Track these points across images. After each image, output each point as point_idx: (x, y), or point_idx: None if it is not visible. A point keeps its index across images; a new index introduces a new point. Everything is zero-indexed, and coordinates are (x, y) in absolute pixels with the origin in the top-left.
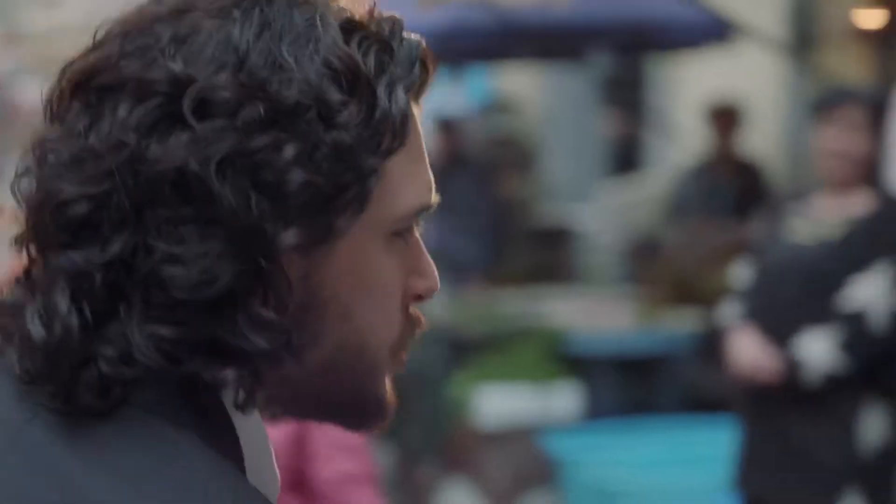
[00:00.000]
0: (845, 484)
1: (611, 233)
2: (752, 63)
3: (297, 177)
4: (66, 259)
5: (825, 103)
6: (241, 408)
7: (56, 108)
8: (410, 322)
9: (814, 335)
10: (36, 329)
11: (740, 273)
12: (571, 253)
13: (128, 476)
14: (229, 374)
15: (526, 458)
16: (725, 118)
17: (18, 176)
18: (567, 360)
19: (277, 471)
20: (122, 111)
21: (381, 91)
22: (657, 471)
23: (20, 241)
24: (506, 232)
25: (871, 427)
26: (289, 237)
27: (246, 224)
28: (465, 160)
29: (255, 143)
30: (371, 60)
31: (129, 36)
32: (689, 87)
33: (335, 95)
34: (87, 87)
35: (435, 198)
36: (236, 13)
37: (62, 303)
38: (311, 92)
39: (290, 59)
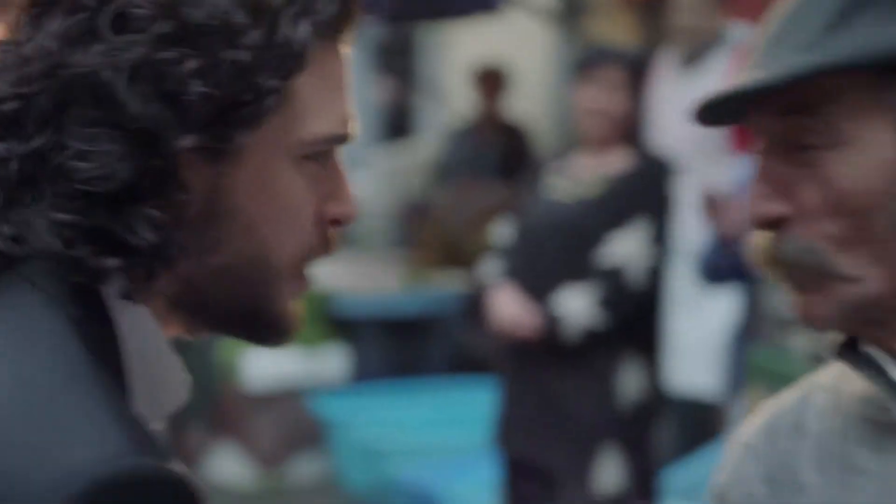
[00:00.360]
0: (604, 439)
1: (383, 198)
2: (522, 30)
3: (195, 88)
4: None
5: (585, 63)
6: (126, 296)
7: (13, 24)
8: (321, 244)
9: (573, 291)
10: None
11: (501, 232)
12: None
13: None
14: (113, 263)
15: (294, 420)
16: (490, 81)
17: None
18: (335, 323)
19: (185, 374)
20: (55, 24)
21: (286, 20)
22: (424, 431)
23: None
24: None
25: (629, 382)
26: (185, 142)
27: (146, 128)
28: None
29: (160, 56)
30: None
31: None
32: (459, 53)
33: (240, 19)
34: (31, 4)
35: (352, 131)
36: None
37: None
38: (218, 14)
39: None
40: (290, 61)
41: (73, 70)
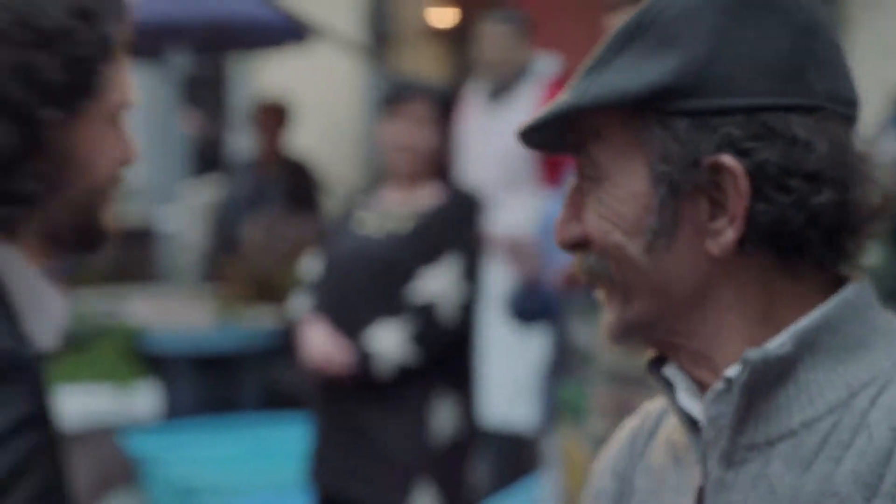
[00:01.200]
0: (417, 475)
1: (192, 233)
2: (330, 62)
3: (52, 77)
4: None
5: (392, 97)
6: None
7: None
8: (118, 178)
9: (384, 327)
10: None
11: (309, 266)
12: (153, 253)
13: None
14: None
15: (107, 457)
16: (271, 116)
17: None
18: (146, 359)
19: (65, 300)
20: None
21: (103, 28)
22: (237, 467)
23: None
24: None
25: (443, 417)
26: (46, 114)
27: (19, 107)
28: None
29: (26, 56)
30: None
31: None
32: (267, 86)
33: (75, 27)
34: None
35: (133, 97)
36: None
37: None
38: (60, 24)
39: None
40: (106, 57)
41: None
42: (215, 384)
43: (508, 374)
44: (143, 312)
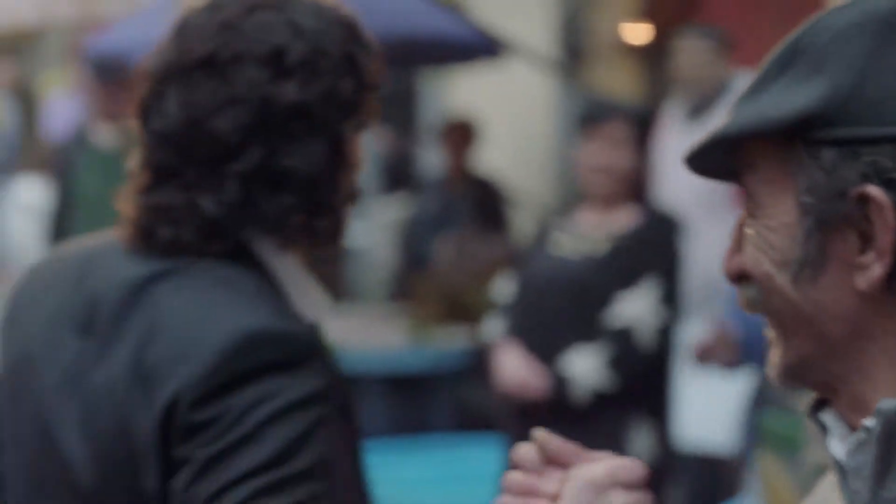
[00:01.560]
0: None
1: (382, 250)
2: (521, 78)
3: (350, 97)
4: (230, 166)
5: (588, 118)
6: (284, 247)
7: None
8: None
9: (581, 352)
10: (211, 209)
11: (503, 287)
12: (343, 271)
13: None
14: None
15: None
16: (458, 134)
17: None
18: None
19: (322, 294)
20: (249, 71)
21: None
22: (429, 489)
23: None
24: None
25: (639, 443)
26: (346, 131)
27: (330, 128)
28: None
29: (331, 82)
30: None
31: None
32: (457, 102)
33: (358, 55)
34: (208, 62)
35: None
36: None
37: (229, 192)
38: (349, 52)
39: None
40: (372, 85)
41: (282, 101)
42: (406, 405)
43: (708, 398)
44: (333, 332)
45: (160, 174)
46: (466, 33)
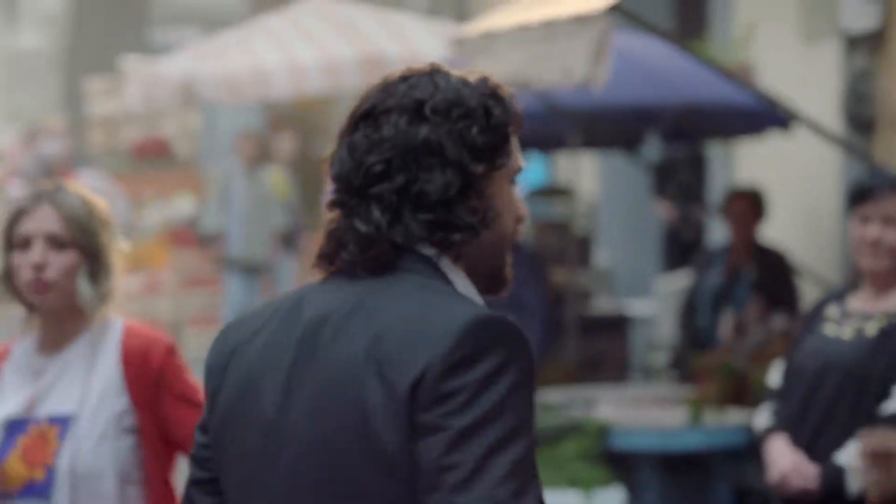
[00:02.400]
0: None
1: (664, 324)
2: (809, 149)
3: (480, 141)
4: (375, 191)
5: (864, 193)
6: (454, 262)
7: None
8: (517, 229)
9: (855, 441)
10: (363, 227)
11: (775, 372)
12: (624, 343)
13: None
14: (456, 238)
15: None
16: (745, 205)
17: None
18: (611, 458)
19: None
20: (395, 118)
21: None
22: None
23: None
24: (556, 321)
25: None
26: (474, 167)
27: (459, 163)
28: (519, 244)
29: (460, 127)
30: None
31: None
32: (743, 173)
33: (493, 108)
34: (368, 114)
35: (523, 164)
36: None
37: (376, 212)
38: (481, 106)
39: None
40: (509, 130)
41: (418, 140)
42: (684, 485)
43: None
44: (610, 409)
45: (335, 209)
46: (754, 103)
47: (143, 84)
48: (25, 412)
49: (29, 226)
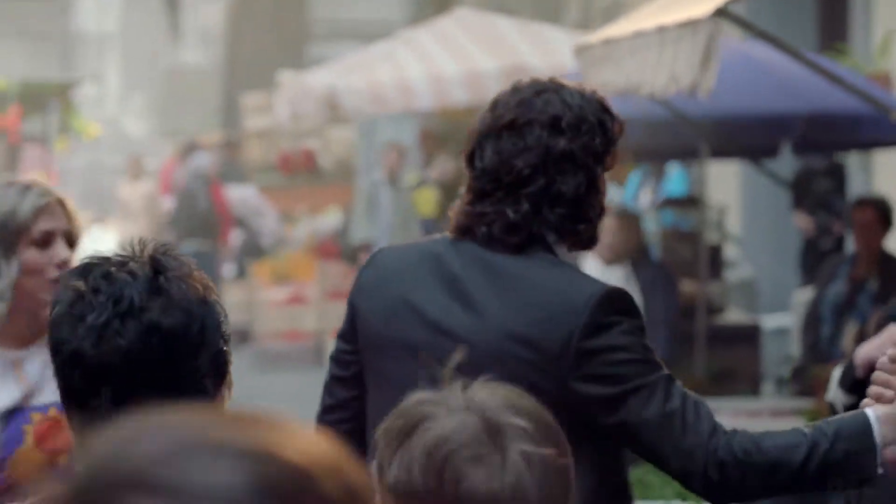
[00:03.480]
0: None
1: (795, 336)
2: None
3: (600, 149)
4: (525, 190)
5: None
6: (568, 247)
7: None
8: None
9: None
10: (512, 215)
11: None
12: (758, 357)
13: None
14: (580, 227)
15: None
16: (870, 215)
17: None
18: None
19: None
20: (537, 131)
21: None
22: None
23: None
24: (685, 332)
25: None
26: (597, 170)
27: (587, 167)
28: (647, 254)
29: (588, 140)
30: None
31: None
32: (883, 183)
33: (607, 120)
34: (511, 126)
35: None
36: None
37: (525, 205)
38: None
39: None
40: (616, 138)
41: (557, 149)
42: (795, 499)
43: None
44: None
45: (478, 195)
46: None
47: (290, 98)
48: (22, 401)
49: (50, 223)
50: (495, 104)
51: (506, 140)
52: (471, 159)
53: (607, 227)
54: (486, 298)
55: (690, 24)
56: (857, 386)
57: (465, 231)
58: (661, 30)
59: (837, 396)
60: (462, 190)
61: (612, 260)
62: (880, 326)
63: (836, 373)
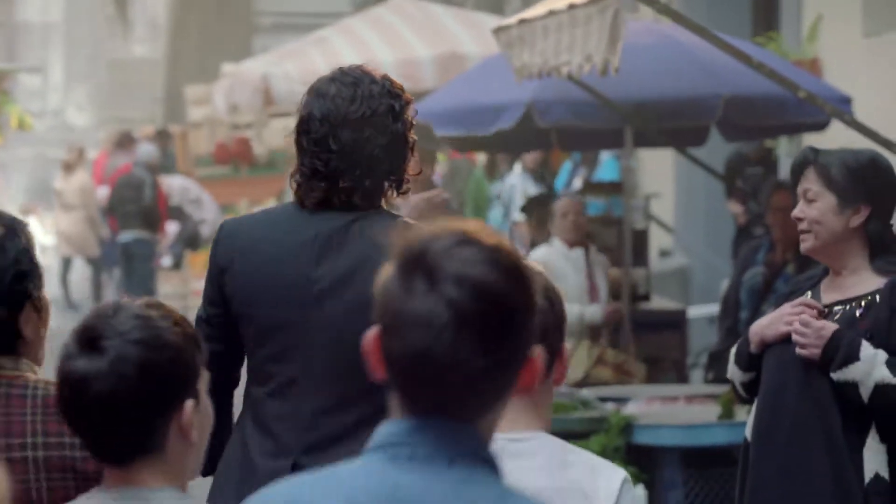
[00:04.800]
0: None
1: None
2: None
3: None
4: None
5: None
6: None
7: None
8: None
9: None
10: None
11: None
12: (683, 345)
13: None
14: None
15: None
16: (785, 199)
17: None
18: (635, 452)
19: None
20: None
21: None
22: None
23: None
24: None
25: None
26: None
27: None
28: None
29: None
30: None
31: None
32: None
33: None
34: None
35: None
36: None
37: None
38: None
39: None
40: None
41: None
42: (709, 480)
43: None
44: (640, 406)
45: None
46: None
47: (227, 88)
48: None
49: None
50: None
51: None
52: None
53: (569, 210)
54: None
55: (598, 2)
56: (752, 362)
57: (324, 203)
58: (572, 8)
59: (735, 374)
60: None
61: (573, 243)
62: (777, 304)
63: (733, 350)
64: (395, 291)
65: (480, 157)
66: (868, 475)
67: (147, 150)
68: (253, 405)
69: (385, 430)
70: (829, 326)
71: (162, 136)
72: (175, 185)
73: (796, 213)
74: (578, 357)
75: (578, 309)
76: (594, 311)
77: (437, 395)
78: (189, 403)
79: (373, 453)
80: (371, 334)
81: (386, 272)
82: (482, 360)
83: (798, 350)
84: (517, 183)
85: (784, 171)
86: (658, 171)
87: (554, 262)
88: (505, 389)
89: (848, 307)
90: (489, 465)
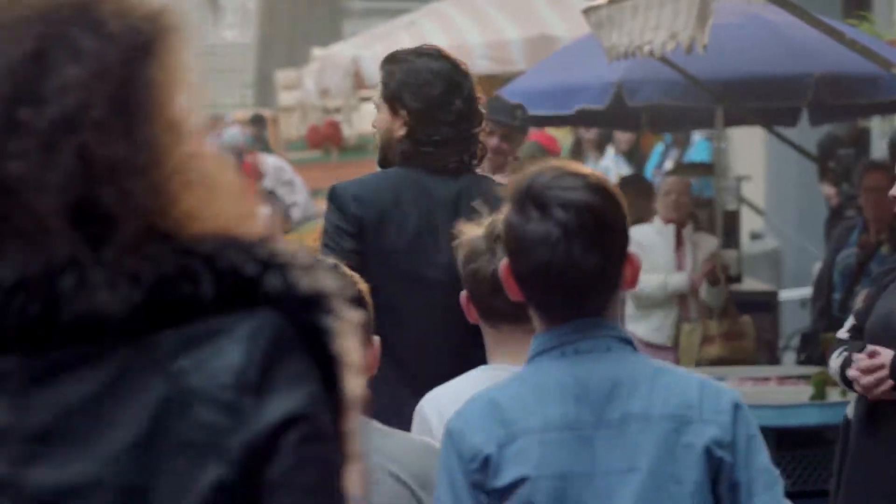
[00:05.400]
0: None
1: None
2: None
3: None
4: None
5: None
6: None
7: None
8: None
9: None
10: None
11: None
12: (775, 327)
13: None
14: None
15: None
16: (878, 179)
17: None
18: None
19: None
20: None
21: None
22: None
23: None
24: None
25: None
26: None
27: None
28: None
29: None
30: None
31: None
32: None
33: None
34: None
35: None
36: None
37: None
38: None
39: None
40: None
41: None
42: (802, 461)
43: None
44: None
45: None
46: None
47: (317, 72)
48: None
49: None
50: None
51: None
52: None
53: (672, 189)
54: None
55: None
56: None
57: None
58: None
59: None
60: None
61: (671, 220)
62: (871, 285)
63: (836, 363)
64: (515, 222)
65: (565, 143)
66: None
67: (233, 134)
68: None
69: (540, 340)
70: (883, 357)
71: (256, 121)
72: (270, 163)
73: (894, 191)
74: (689, 342)
75: (662, 278)
76: (679, 279)
77: (565, 297)
78: None
79: (539, 359)
80: (503, 263)
81: (505, 209)
82: (592, 261)
83: (871, 395)
84: (611, 165)
85: (877, 152)
86: (749, 154)
87: (643, 237)
88: (615, 283)
89: None
90: (631, 345)
